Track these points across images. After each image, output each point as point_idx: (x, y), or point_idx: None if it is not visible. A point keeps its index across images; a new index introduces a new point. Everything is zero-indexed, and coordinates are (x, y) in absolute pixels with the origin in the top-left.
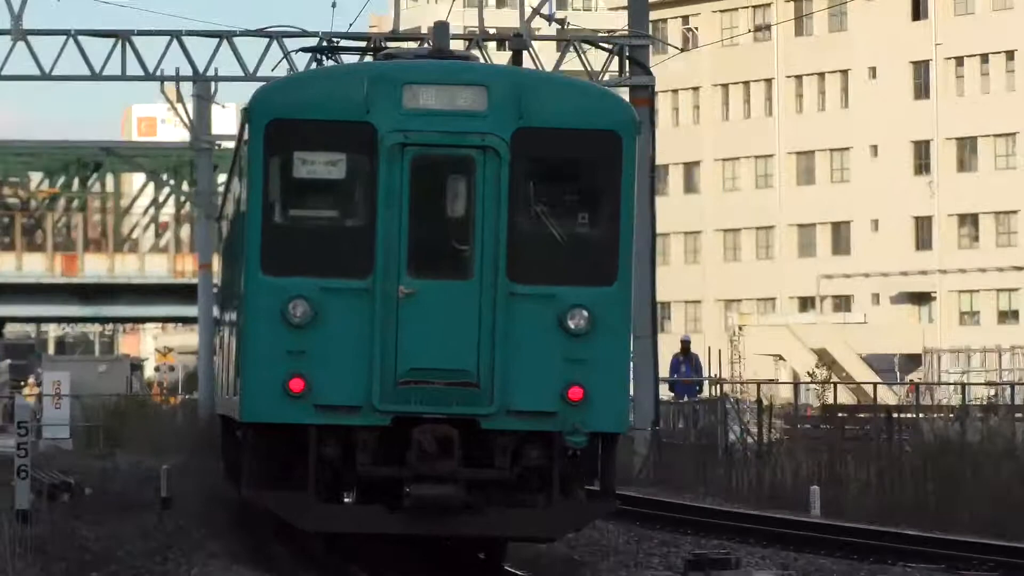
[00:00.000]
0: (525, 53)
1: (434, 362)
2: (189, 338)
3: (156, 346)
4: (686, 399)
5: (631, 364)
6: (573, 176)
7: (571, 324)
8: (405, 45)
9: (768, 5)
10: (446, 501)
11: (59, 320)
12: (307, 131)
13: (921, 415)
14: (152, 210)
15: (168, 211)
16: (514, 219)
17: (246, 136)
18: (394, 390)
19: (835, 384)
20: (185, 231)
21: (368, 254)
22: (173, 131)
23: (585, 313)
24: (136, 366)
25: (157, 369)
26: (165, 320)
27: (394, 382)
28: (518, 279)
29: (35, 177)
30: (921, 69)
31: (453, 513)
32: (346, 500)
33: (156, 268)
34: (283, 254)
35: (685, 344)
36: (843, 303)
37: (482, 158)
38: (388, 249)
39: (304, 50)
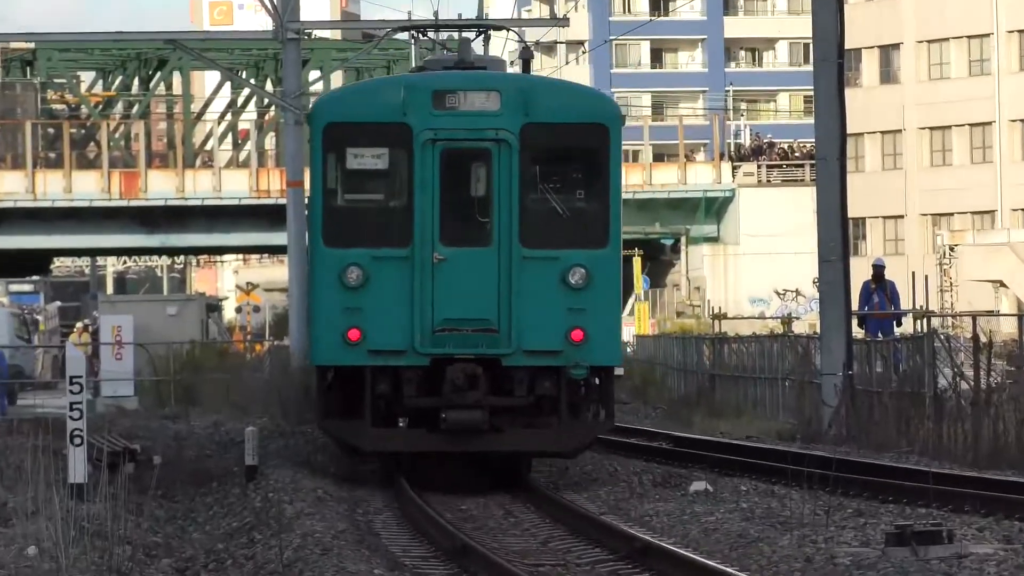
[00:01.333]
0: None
1: (463, 313)
2: (276, 272)
3: (237, 282)
4: (880, 336)
5: (621, 312)
6: (570, 161)
7: (572, 280)
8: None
9: None
10: (474, 423)
11: (118, 252)
12: (356, 131)
13: None
14: (229, 116)
15: (249, 116)
16: (524, 197)
17: (309, 137)
18: (431, 336)
19: None
20: (269, 141)
21: (408, 228)
22: (253, 18)
23: (583, 271)
24: (213, 307)
25: (239, 310)
26: (247, 250)
27: (431, 330)
28: (528, 245)
29: (86, 78)
30: None
31: (481, 433)
32: (400, 426)
33: (235, 187)
34: (340, 230)
35: (878, 269)
36: None
37: (497, 148)
38: (424, 224)
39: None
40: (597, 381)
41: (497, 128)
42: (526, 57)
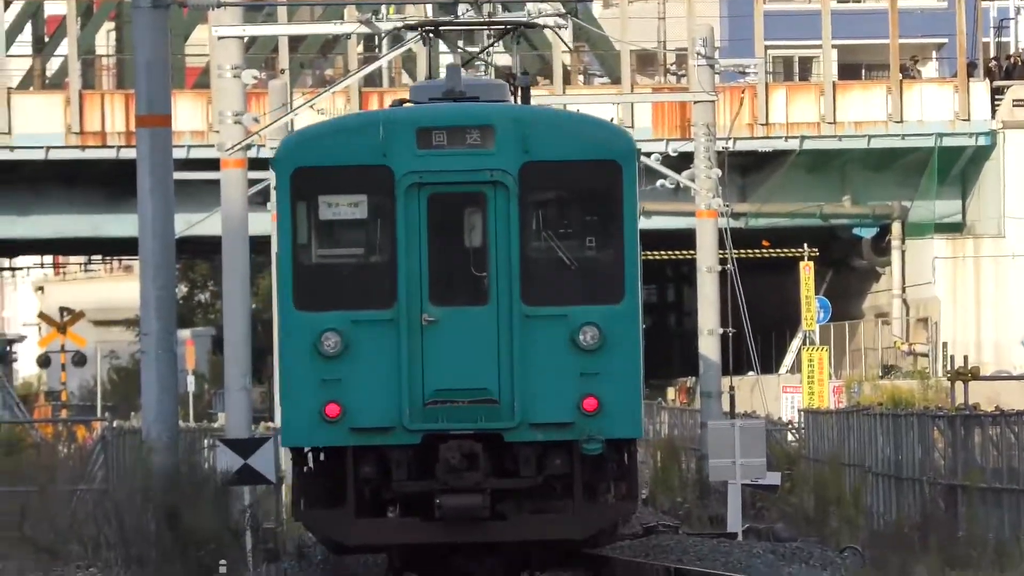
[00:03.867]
0: None
1: (458, 382)
2: (116, 290)
3: (43, 308)
4: None
5: (641, 374)
6: (578, 204)
7: (583, 341)
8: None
9: None
10: (473, 510)
11: None
12: (330, 176)
13: None
14: None
15: None
16: (525, 247)
17: (275, 184)
18: (422, 410)
19: None
20: (104, 39)
21: (392, 286)
22: None
23: (595, 330)
24: None
25: (46, 361)
26: (62, 248)
27: (422, 403)
28: (532, 302)
29: None
30: None
31: (482, 521)
32: (390, 515)
33: (37, 126)
34: (314, 291)
35: None
36: None
37: (492, 192)
38: (410, 281)
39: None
40: (617, 457)
41: (492, 168)
42: (524, 84)
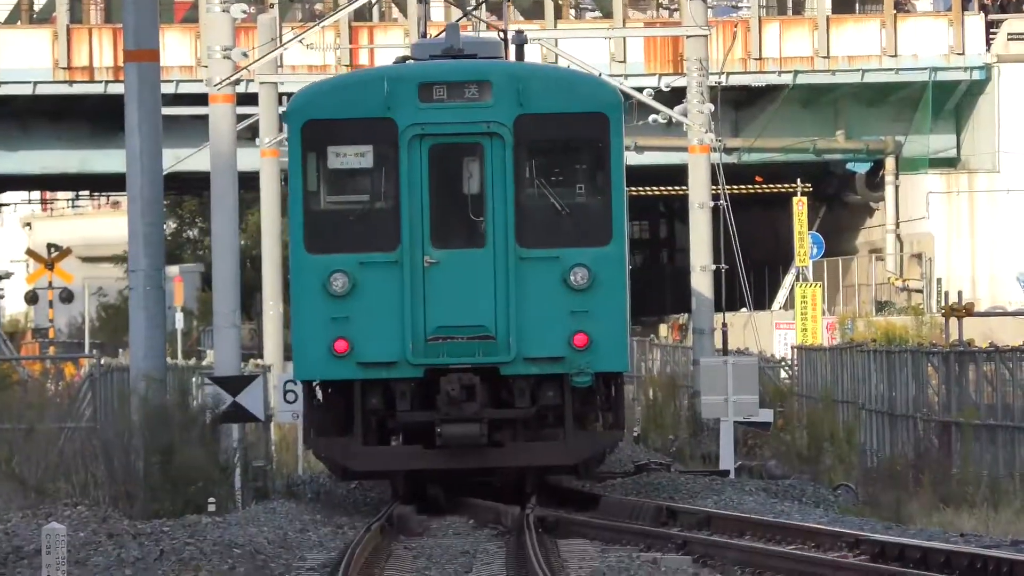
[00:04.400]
0: None
1: (457, 320)
2: (105, 227)
3: (31, 244)
4: None
5: (628, 312)
6: (569, 153)
7: (573, 281)
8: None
9: None
10: (472, 438)
11: None
12: (338, 128)
13: None
14: None
15: None
16: (520, 194)
17: (287, 136)
18: (424, 346)
19: None
20: None
21: (396, 231)
22: None
23: (585, 271)
24: None
25: (33, 298)
26: (50, 184)
27: (424, 339)
28: (526, 245)
29: None
30: None
31: (480, 448)
32: (393, 443)
33: (23, 61)
34: (323, 235)
35: None
36: None
37: (489, 143)
38: (413, 226)
39: None
40: (605, 389)
41: (489, 121)
42: (519, 42)
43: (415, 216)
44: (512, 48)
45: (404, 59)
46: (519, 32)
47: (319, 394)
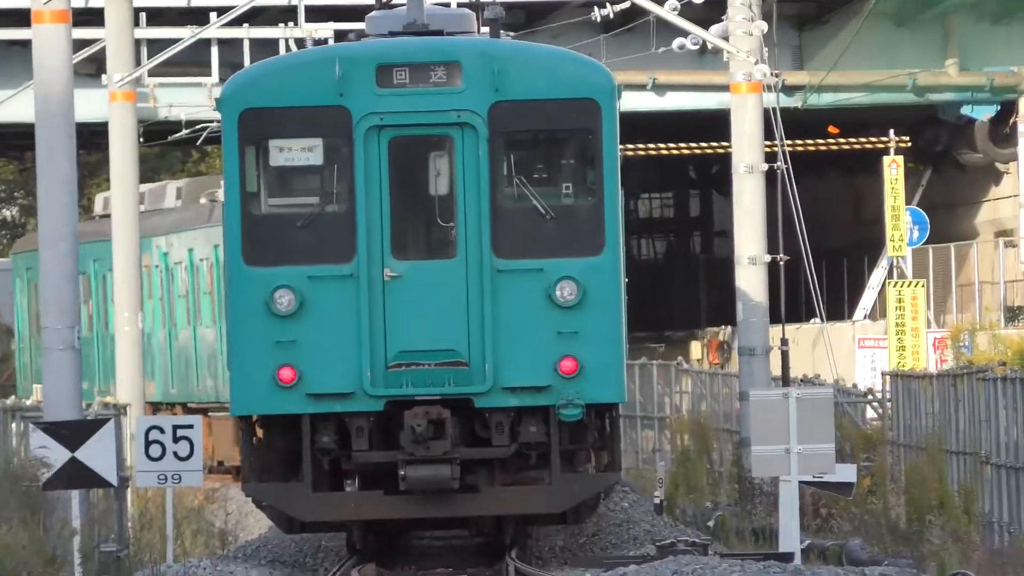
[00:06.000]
0: None
1: (423, 343)
2: None
3: None
4: None
5: (624, 333)
6: (553, 147)
7: (560, 297)
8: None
9: None
10: (441, 482)
11: None
12: (281, 118)
13: None
14: None
15: None
16: (496, 195)
17: (221, 126)
18: (385, 374)
19: None
20: None
21: (350, 239)
22: None
23: (573, 285)
24: None
25: None
26: None
27: (384, 366)
28: (504, 255)
29: None
30: None
31: (451, 494)
32: (348, 488)
33: None
34: (266, 244)
35: None
36: None
37: (460, 135)
38: (370, 233)
39: None
40: (598, 423)
41: (459, 109)
42: (493, 16)
43: (373, 222)
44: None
45: (359, 36)
46: (493, 3)
47: (260, 432)
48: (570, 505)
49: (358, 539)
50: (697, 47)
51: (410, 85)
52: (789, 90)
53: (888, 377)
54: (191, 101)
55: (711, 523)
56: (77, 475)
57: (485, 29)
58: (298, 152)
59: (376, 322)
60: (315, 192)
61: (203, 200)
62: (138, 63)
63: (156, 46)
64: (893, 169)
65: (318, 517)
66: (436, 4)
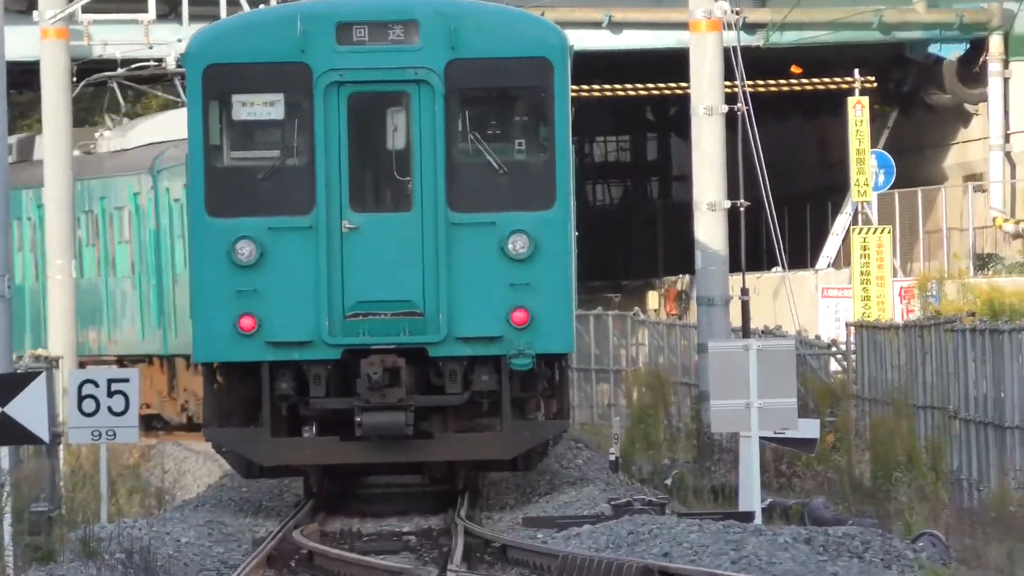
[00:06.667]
0: None
1: (380, 294)
2: None
3: None
4: None
5: (574, 285)
6: (507, 104)
7: (512, 250)
8: None
9: None
10: (396, 428)
11: None
12: (244, 73)
13: None
14: None
15: None
16: (451, 150)
17: (185, 82)
18: (342, 323)
19: None
20: None
21: (310, 191)
22: None
23: (525, 238)
24: None
25: None
26: None
27: (342, 316)
28: (458, 208)
29: None
30: None
31: (405, 440)
32: (306, 434)
33: None
34: (227, 196)
35: None
36: None
37: (416, 91)
38: (329, 186)
39: None
40: (548, 373)
41: (416, 67)
42: None
43: (332, 175)
44: None
45: None
46: None
47: (221, 378)
48: (520, 451)
49: (315, 483)
50: None
51: (369, 42)
52: (750, 28)
53: (852, 328)
54: (127, 39)
55: (668, 481)
56: (7, 431)
57: None
58: (260, 107)
59: (334, 273)
60: (276, 146)
61: (76, 152)
62: None
63: None
64: (858, 111)
65: (276, 461)
66: None
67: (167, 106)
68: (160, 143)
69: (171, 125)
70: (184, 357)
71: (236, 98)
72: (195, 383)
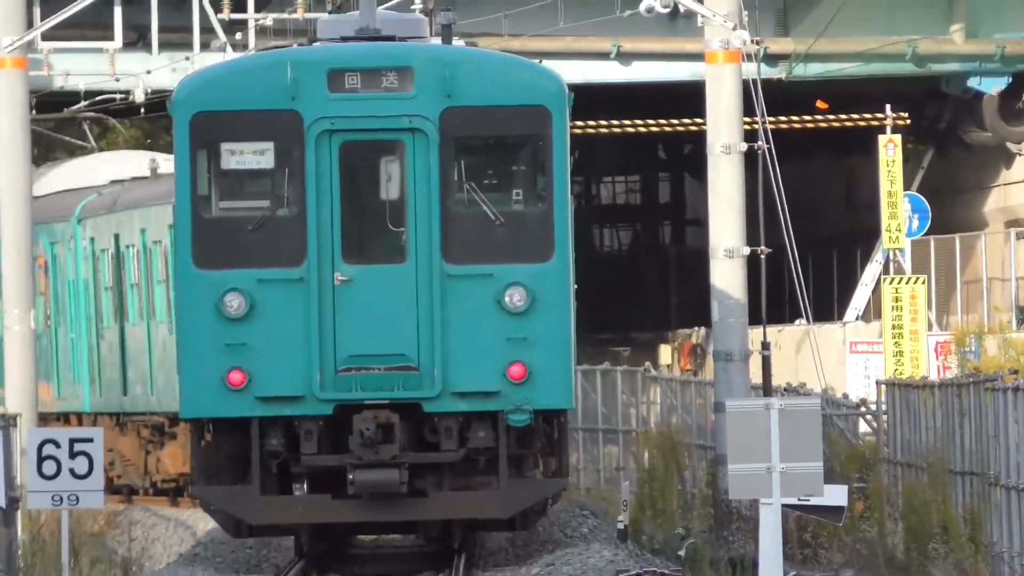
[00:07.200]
0: None
1: (373, 348)
2: None
3: None
4: None
5: (573, 339)
6: (504, 153)
7: (509, 302)
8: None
9: None
10: (389, 486)
11: None
12: (233, 122)
13: None
14: None
15: None
16: (446, 200)
17: (173, 129)
18: (334, 378)
19: None
20: None
21: (301, 242)
22: None
23: (523, 291)
24: None
25: None
26: None
27: (334, 370)
28: (454, 260)
29: None
30: None
31: (399, 498)
32: (297, 492)
33: None
34: (216, 247)
35: None
36: None
37: (411, 140)
38: (321, 236)
39: None
40: (547, 429)
41: (411, 114)
42: (446, 23)
43: (324, 226)
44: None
45: (311, 40)
46: (446, 10)
47: (208, 434)
48: (518, 510)
49: (306, 543)
50: (668, 10)
51: (362, 90)
52: (772, 59)
53: (883, 386)
54: (91, 68)
55: (682, 552)
56: None
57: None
58: (249, 155)
59: (326, 326)
60: (266, 195)
61: None
62: (30, 25)
63: (51, 6)
64: (890, 150)
65: (266, 520)
66: (389, 9)
67: (136, 142)
68: (83, 189)
69: (92, 169)
70: (109, 415)
71: (225, 146)
72: (122, 443)
